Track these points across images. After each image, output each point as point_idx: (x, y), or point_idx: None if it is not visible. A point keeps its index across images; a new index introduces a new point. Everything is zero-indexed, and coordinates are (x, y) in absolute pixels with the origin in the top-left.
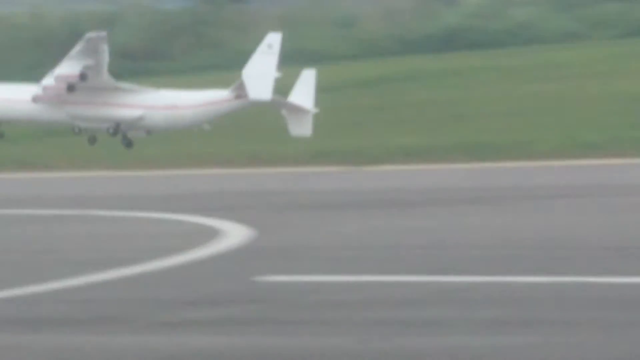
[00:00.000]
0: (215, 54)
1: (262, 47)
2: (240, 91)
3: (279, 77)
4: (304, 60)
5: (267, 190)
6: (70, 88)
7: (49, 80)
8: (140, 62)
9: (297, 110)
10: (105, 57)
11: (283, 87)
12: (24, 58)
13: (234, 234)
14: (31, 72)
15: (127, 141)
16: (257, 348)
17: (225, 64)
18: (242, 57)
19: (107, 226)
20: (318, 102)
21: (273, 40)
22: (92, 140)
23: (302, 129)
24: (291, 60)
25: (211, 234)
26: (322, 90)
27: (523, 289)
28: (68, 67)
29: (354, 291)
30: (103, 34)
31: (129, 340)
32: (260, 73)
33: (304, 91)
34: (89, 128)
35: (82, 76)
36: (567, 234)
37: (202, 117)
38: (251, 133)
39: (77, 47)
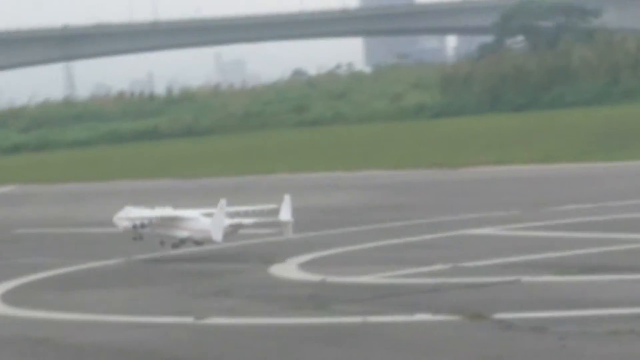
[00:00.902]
0: None
1: (218, 208)
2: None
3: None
4: None
5: None
6: (139, 227)
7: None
8: None
9: (284, 223)
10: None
11: None
12: None
13: None
14: None
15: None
16: None
17: None
18: None
19: None
20: None
21: (222, 204)
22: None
23: (287, 233)
24: None
25: None
26: None
27: None
28: (125, 221)
29: None
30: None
31: None
32: (217, 224)
33: (285, 208)
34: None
35: (134, 226)
36: None
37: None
38: None
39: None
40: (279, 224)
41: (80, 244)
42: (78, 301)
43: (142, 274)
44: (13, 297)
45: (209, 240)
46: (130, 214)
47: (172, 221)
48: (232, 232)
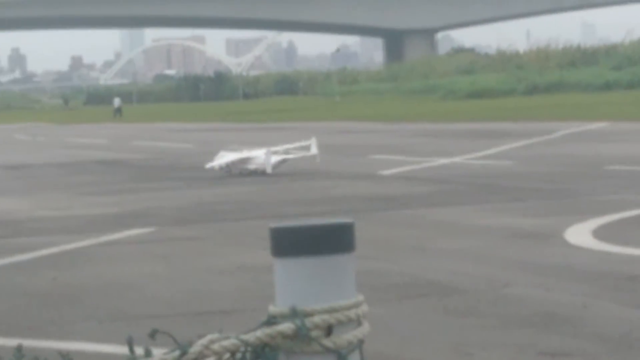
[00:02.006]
0: None
1: (267, 152)
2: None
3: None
4: None
5: None
6: (225, 168)
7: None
8: None
9: (313, 155)
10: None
11: None
12: None
13: None
14: None
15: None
16: None
17: None
18: None
19: None
20: None
21: (269, 151)
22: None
23: (316, 161)
24: None
25: None
26: None
27: None
28: (217, 164)
29: None
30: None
31: None
32: (268, 161)
33: (313, 145)
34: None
35: (221, 168)
36: None
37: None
38: None
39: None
40: (310, 157)
41: None
42: None
43: None
44: (604, 233)
45: (264, 171)
46: (220, 158)
47: (245, 159)
48: (279, 165)
